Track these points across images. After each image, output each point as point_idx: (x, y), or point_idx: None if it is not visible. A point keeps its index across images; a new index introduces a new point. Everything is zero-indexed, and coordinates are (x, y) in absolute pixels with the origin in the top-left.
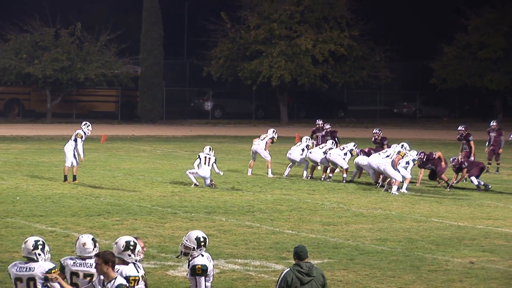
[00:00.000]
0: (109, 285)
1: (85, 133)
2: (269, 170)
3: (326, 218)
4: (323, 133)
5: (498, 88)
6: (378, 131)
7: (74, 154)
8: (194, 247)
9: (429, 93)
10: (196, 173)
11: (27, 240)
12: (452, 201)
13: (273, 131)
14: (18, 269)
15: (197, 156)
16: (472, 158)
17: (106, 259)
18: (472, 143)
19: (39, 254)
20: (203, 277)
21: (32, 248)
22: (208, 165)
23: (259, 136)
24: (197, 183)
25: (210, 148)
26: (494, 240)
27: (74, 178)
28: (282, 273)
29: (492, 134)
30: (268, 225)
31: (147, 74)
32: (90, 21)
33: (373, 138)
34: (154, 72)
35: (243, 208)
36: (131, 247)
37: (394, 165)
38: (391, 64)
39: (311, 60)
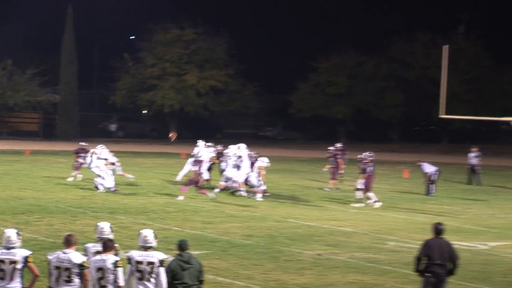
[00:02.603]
0: None
1: None
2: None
3: (205, 218)
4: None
5: (342, 117)
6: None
7: None
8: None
9: (288, 120)
10: (101, 184)
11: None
12: (304, 206)
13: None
14: None
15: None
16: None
17: None
18: (340, 160)
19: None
20: (120, 269)
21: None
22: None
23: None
24: (103, 190)
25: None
26: (337, 236)
27: None
28: (168, 262)
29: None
30: (158, 223)
31: (65, 101)
32: (19, 58)
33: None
34: (70, 99)
35: (139, 209)
36: None
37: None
38: (259, 97)
39: (196, 92)
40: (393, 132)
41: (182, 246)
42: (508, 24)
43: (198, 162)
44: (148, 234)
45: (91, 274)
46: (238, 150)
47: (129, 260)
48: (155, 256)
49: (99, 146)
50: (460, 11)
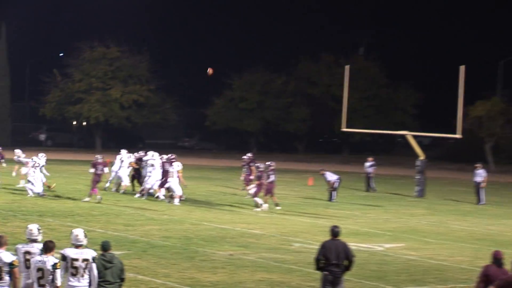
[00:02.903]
0: None
1: None
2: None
3: (127, 221)
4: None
5: (253, 130)
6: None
7: None
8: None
9: (204, 132)
10: (31, 189)
11: None
12: (218, 210)
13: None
14: None
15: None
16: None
17: None
18: (252, 168)
19: None
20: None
21: None
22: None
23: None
24: (32, 195)
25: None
26: (247, 238)
27: None
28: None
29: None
30: (84, 225)
31: None
32: None
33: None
34: (3, 111)
35: (66, 212)
36: None
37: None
38: (178, 110)
39: (119, 106)
40: (299, 143)
41: (105, 247)
42: (402, 47)
43: (94, 166)
44: (79, 233)
45: (32, 274)
46: (151, 159)
47: (64, 257)
48: (89, 253)
49: (40, 154)
50: (360, 35)
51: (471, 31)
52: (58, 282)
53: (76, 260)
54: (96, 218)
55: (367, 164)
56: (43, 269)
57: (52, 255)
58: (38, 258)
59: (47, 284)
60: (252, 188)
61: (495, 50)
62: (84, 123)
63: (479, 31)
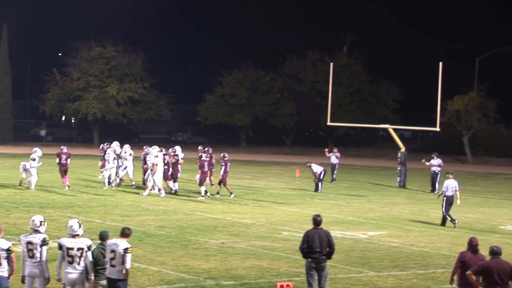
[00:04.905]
0: None
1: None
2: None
3: (124, 212)
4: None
5: (242, 124)
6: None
7: None
8: (37, 225)
9: (196, 127)
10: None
11: None
12: (211, 200)
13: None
14: None
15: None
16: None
17: None
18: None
19: None
20: (45, 247)
21: None
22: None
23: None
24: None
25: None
26: (238, 227)
27: None
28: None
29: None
30: (83, 216)
31: (0, 110)
32: None
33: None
34: (5, 108)
35: (65, 204)
36: None
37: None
38: (171, 106)
39: (116, 102)
40: (287, 137)
41: (103, 236)
42: (383, 45)
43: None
44: (74, 223)
45: (107, 255)
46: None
47: (60, 246)
48: (84, 242)
49: (36, 148)
50: (343, 34)
51: (449, 29)
52: (127, 264)
53: (72, 249)
54: (94, 210)
55: (333, 155)
56: (115, 251)
57: (127, 241)
58: (113, 241)
59: (117, 265)
60: (197, 178)
61: (472, 47)
62: (63, 118)
63: (457, 29)
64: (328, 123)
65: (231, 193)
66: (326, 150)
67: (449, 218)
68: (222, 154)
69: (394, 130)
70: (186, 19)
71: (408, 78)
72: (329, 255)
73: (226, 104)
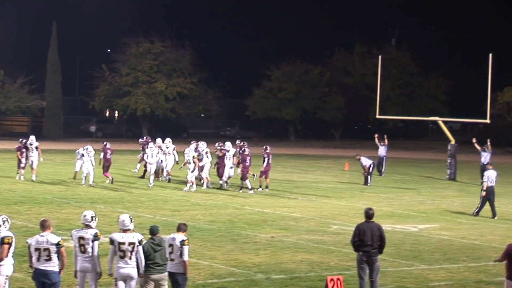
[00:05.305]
0: None
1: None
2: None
3: (174, 207)
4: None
5: (291, 118)
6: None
7: None
8: (89, 220)
9: (244, 121)
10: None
11: None
12: (260, 195)
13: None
14: None
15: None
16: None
17: None
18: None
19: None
20: (97, 242)
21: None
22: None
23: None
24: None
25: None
26: (287, 221)
27: None
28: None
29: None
30: (133, 211)
31: (50, 106)
32: (10, 69)
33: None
34: (55, 105)
35: (116, 199)
36: None
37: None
38: (219, 101)
39: (164, 98)
40: (335, 130)
41: (153, 231)
42: (432, 37)
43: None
44: (125, 218)
45: (164, 250)
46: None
47: (112, 241)
48: (135, 236)
49: (88, 146)
50: (392, 26)
51: (499, 19)
52: (185, 257)
53: (123, 243)
54: (144, 204)
55: (382, 146)
56: (173, 245)
57: (184, 234)
58: (171, 235)
59: (175, 258)
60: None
61: None
62: (116, 114)
63: (507, 19)
64: (377, 116)
65: (260, 187)
66: (376, 136)
67: (479, 206)
68: (264, 147)
69: (444, 122)
70: (234, 13)
71: (458, 70)
72: (380, 249)
73: (274, 98)
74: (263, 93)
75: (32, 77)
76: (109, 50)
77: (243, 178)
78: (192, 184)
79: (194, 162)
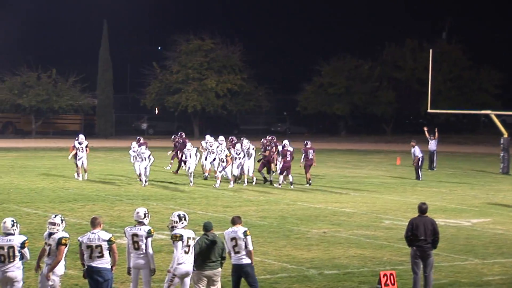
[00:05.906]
0: None
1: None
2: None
3: (226, 203)
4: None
5: (342, 114)
6: (264, 141)
7: None
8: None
9: (295, 116)
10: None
11: (5, 221)
12: (311, 191)
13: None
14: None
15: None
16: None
17: None
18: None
19: (15, 230)
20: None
21: (10, 226)
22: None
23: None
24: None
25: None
26: (340, 217)
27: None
28: (195, 240)
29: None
30: (185, 207)
31: (102, 104)
32: (63, 68)
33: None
34: (106, 103)
35: (168, 196)
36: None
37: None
38: (270, 97)
39: (215, 94)
40: (386, 125)
41: (207, 227)
42: (483, 30)
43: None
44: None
45: (228, 244)
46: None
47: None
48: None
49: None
50: (442, 20)
51: None
52: (250, 246)
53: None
54: (196, 201)
55: (433, 140)
56: (235, 238)
57: (242, 226)
58: (230, 229)
59: (240, 250)
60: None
61: None
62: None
63: None
64: (429, 110)
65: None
66: (426, 129)
67: None
68: (304, 142)
69: (496, 115)
70: (283, 9)
71: (510, 63)
72: (434, 244)
73: (325, 93)
74: (314, 88)
75: (83, 76)
76: (159, 48)
77: (281, 172)
78: (217, 180)
79: (227, 160)
